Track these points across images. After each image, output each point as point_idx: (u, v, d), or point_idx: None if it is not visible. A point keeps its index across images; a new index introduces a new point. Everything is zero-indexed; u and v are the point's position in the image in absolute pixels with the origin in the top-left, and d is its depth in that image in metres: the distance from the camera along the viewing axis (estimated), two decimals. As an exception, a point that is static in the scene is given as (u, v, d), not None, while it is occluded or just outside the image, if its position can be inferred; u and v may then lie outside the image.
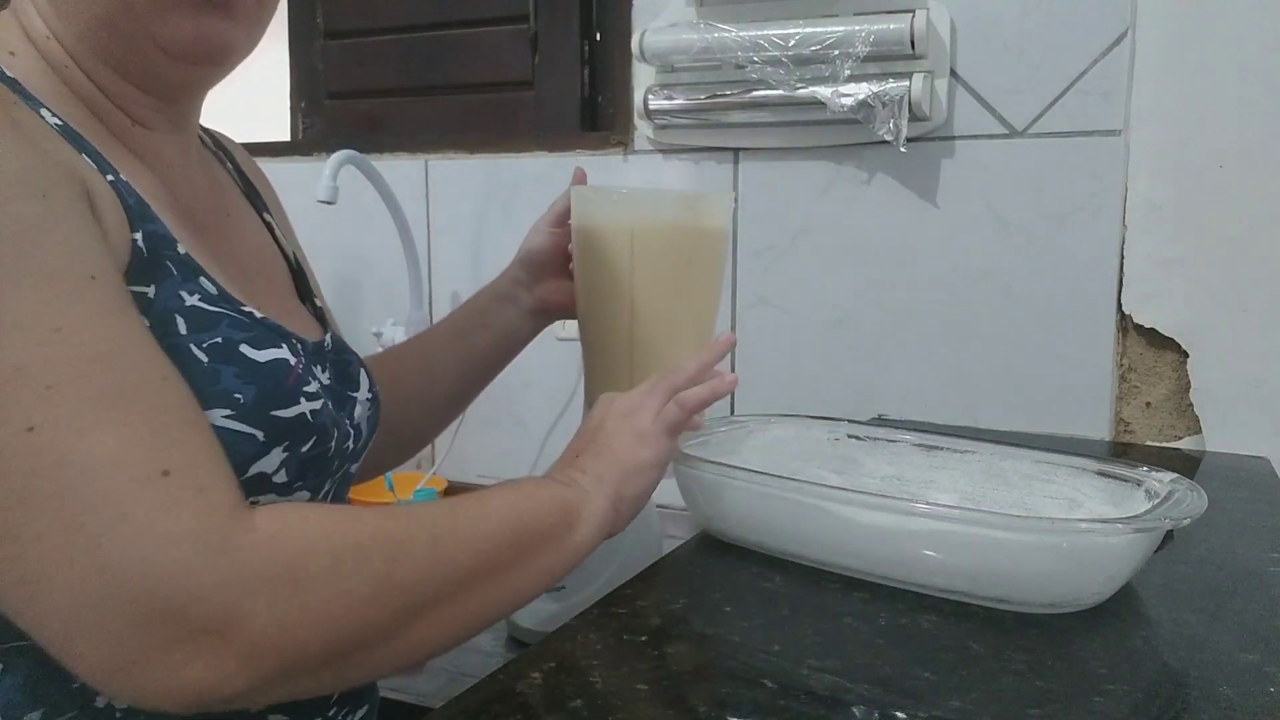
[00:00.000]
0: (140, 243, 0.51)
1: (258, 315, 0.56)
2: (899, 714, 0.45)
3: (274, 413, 0.54)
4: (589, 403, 0.83)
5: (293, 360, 0.57)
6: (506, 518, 0.55)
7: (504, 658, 0.93)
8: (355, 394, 0.66)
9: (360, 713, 0.65)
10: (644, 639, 0.54)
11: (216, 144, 0.72)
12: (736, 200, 1.21)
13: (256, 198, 0.72)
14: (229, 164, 0.72)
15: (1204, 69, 1.01)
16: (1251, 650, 0.52)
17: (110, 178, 0.51)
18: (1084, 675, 0.49)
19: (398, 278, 1.36)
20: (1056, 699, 0.47)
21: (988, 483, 0.71)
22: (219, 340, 0.52)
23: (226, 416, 0.51)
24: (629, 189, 0.86)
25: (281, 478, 0.55)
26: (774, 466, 0.69)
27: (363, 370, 0.69)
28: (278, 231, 0.72)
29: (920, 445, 0.76)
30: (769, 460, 0.73)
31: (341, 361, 0.67)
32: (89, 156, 0.51)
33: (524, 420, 1.34)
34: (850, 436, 0.79)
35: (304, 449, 0.56)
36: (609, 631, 0.55)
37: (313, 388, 0.58)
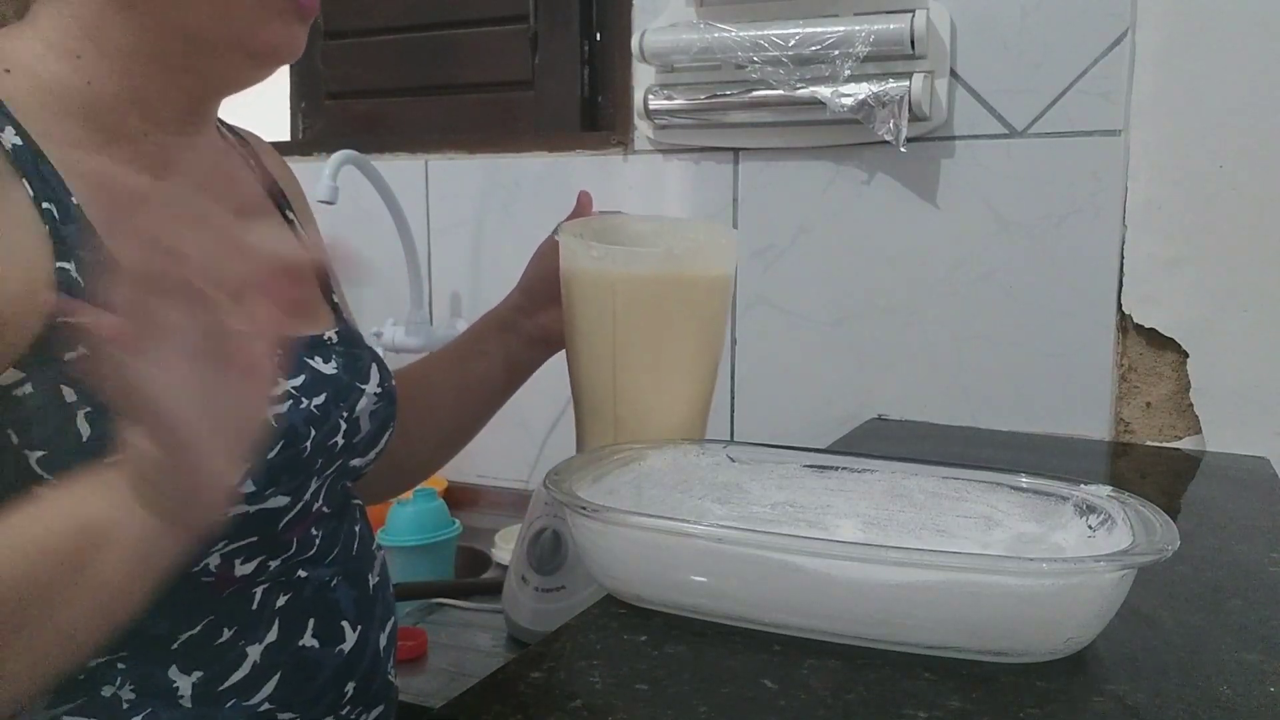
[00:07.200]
0: (74, 273, 0.51)
1: None
2: (899, 713, 0.45)
3: None
4: (580, 450, 0.80)
5: None
6: None
7: (504, 658, 0.93)
8: (364, 386, 0.66)
9: (375, 712, 0.65)
10: (644, 639, 0.54)
11: (243, 143, 0.73)
12: (735, 200, 1.21)
13: (280, 195, 0.73)
14: (252, 161, 0.72)
15: (1204, 69, 1.01)
16: (1251, 650, 0.52)
17: (47, 205, 0.51)
18: (1084, 675, 0.49)
19: (398, 277, 1.36)
20: (1056, 699, 0.47)
21: (892, 504, 0.65)
22: None
23: None
24: (620, 229, 0.82)
25: (249, 487, 0.55)
26: (651, 502, 0.64)
27: (374, 365, 0.69)
28: (299, 228, 0.73)
29: (812, 466, 0.68)
30: (645, 496, 0.66)
31: (351, 354, 0.66)
32: (33, 182, 0.51)
33: (525, 420, 1.34)
34: (731, 459, 0.70)
35: (270, 454, 0.56)
36: (609, 631, 0.55)
37: (277, 390, 0.57)
